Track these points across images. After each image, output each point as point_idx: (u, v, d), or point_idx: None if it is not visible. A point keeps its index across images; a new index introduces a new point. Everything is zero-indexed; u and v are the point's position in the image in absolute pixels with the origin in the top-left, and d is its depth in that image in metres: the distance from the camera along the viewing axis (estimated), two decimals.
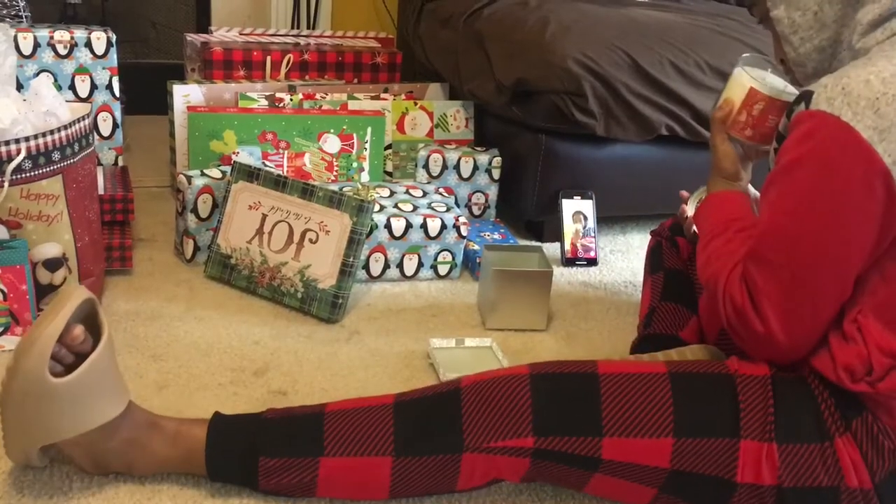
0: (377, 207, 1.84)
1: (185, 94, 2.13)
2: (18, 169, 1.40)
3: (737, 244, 1.13)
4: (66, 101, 1.50)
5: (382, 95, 2.30)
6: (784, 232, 1.02)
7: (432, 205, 1.91)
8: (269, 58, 2.38)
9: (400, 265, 1.86)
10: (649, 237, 1.59)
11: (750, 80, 1.22)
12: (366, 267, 1.84)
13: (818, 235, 1.00)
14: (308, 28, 3.04)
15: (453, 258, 1.89)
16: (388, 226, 1.81)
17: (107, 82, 2.03)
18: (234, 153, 1.99)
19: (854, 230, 0.99)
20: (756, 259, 1.05)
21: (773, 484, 1.02)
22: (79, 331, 1.06)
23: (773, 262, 1.03)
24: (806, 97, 1.02)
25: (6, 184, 1.40)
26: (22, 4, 2.30)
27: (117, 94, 2.05)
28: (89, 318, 1.10)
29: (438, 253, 1.88)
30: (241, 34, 2.61)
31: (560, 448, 1.05)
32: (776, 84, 1.23)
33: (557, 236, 2.08)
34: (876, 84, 0.96)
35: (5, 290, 1.42)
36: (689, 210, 1.50)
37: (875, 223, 0.98)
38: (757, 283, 1.04)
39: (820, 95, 1.00)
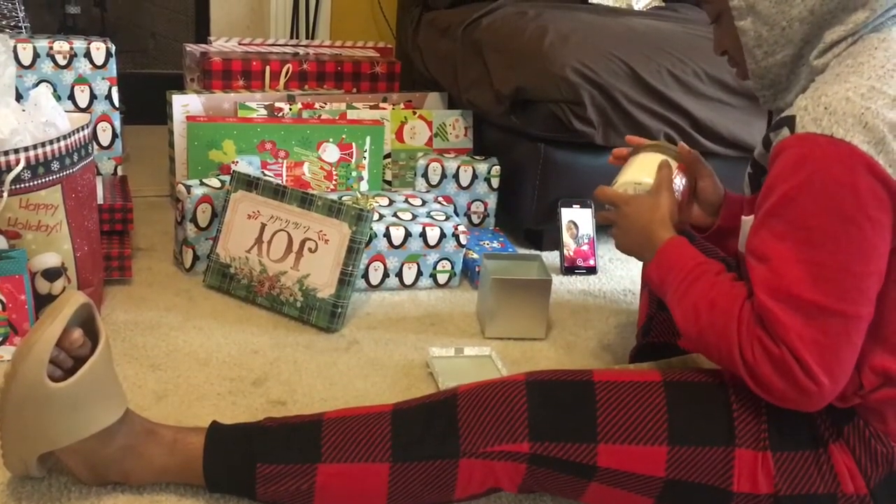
0: (376, 216, 1.85)
1: (185, 104, 2.14)
2: (17, 179, 1.40)
3: (728, 287, 1.04)
4: (66, 112, 1.51)
5: (381, 105, 2.31)
6: (807, 263, 0.95)
7: (431, 214, 1.91)
8: (268, 68, 2.39)
9: (399, 274, 1.86)
10: None
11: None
12: (365, 276, 1.84)
13: (844, 258, 0.94)
14: (307, 38, 3.05)
15: (452, 267, 1.89)
16: (387, 235, 1.81)
17: (106, 92, 2.04)
18: (233, 162, 2.00)
19: (874, 245, 0.95)
20: (778, 296, 0.96)
21: (769, 492, 1.02)
22: (77, 334, 1.05)
23: (800, 297, 0.95)
24: (788, 122, 0.99)
25: (5, 194, 1.40)
26: (21, 15, 2.31)
27: (116, 104, 2.06)
28: (87, 323, 1.10)
29: (437, 262, 1.88)
30: (240, 44, 2.62)
31: (556, 454, 1.04)
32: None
33: (557, 245, 2.09)
34: (857, 100, 0.94)
35: (4, 300, 1.42)
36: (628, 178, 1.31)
37: (888, 234, 0.96)
38: (785, 325, 0.95)
39: (804, 118, 0.97)
